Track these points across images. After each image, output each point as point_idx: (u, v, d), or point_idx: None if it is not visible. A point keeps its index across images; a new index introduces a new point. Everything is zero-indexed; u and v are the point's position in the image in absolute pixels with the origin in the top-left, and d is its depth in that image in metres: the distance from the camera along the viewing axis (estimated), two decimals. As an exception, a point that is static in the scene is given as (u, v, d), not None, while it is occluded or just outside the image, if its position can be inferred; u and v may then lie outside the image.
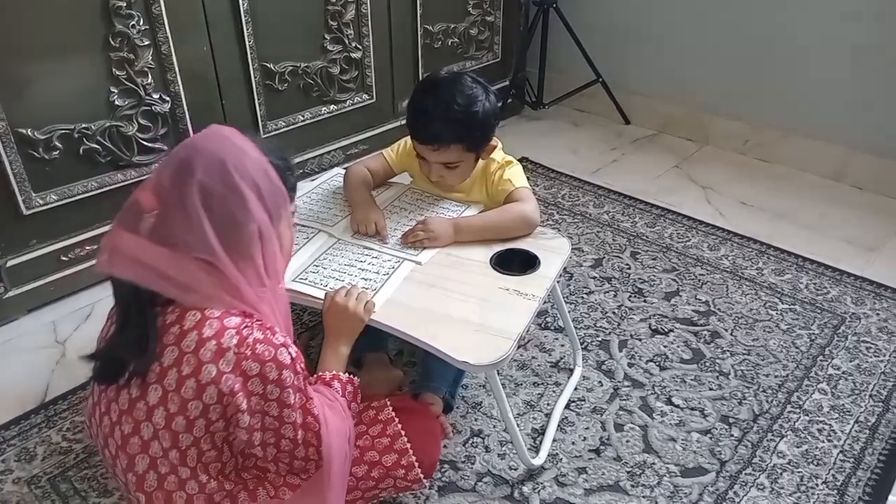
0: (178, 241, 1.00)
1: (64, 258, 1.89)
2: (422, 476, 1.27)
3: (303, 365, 1.09)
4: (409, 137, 1.65)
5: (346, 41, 2.29)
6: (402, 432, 1.26)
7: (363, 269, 1.41)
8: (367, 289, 1.35)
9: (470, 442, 1.51)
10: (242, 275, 1.05)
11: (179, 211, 1.00)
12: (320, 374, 1.23)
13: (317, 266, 1.42)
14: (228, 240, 1.02)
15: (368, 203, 1.59)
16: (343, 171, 1.75)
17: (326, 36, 2.24)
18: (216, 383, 1.00)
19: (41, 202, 1.79)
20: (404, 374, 1.63)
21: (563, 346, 1.76)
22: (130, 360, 1.02)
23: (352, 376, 1.25)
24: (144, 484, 1.05)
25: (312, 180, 1.76)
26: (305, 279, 1.37)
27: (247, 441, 1.06)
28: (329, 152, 2.41)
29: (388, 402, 1.30)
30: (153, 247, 1.00)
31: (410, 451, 1.25)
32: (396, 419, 1.27)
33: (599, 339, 1.79)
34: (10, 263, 1.81)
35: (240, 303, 1.04)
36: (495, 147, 1.58)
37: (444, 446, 1.48)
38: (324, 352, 1.28)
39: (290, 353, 1.05)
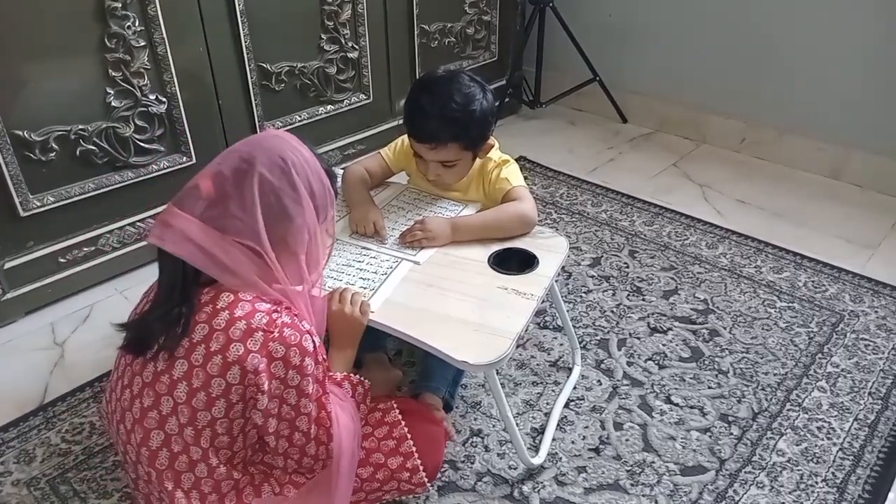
0: (228, 226, 1.04)
1: (62, 260, 1.89)
2: (426, 480, 1.27)
3: (325, 356, 1.12)
4: (406, 136, 1.65)
5: (343, 41, 2.29)
6: (409, 435, 1.26)
7: (361, 270, 1.40)
8: (364, 289, 1.35)
9: (469, 441, 1.51)
10: (284, 268, 1.09)
11: (236, 198, 1.05)
12: (331, 374, 1.24)
13: None
14: (277, 232, 1.07)
15: (366, 202, 1.59)
16: (341, 172, 1.75)
17: (323, 36, 2.24)
18: (241, 362, 1.03)
19: (38, 204, 1.79)
20: (403, 374, 1.63)
21: (561, 345, 1.76)
22: (163, 334, 1.05)
23: (362, 379, 1.26)
24: (156, 461, 1.07)
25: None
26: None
27: (261, 426, 1.07)
28: (326, 153, 2.41)
29: (395, 405, 1.30)
30: (204, 227, 1.04)
31: (416, 455, 1.25)
32: (403, 422, 1.27)
33: (598, 337, 1.79)
34: (7, 265, 1.81)
35: (275, 292, 1.08)
36: (493, 146, 1.58)
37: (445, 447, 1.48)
38: (330, 354, 1.29)
39: (314, 342, 1.08)
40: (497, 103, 1.59)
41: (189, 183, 1.09)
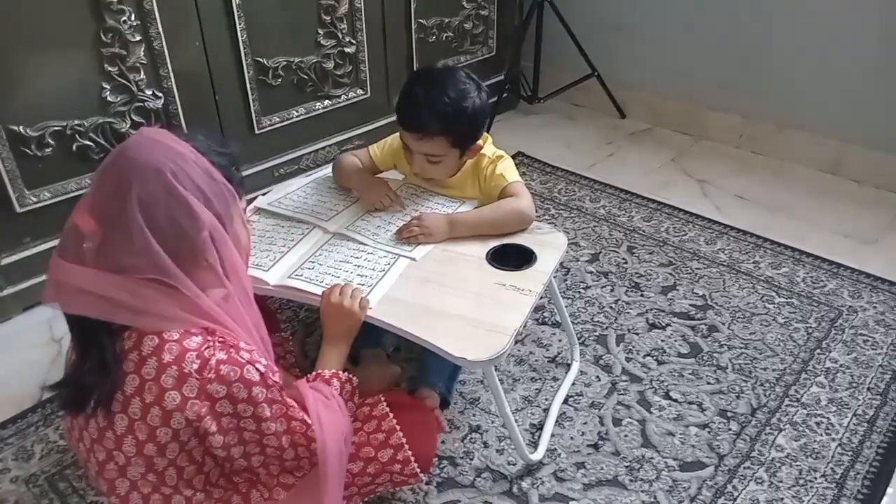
0: (125, 265, 0.95)
1: (58, 256, 1.88)
2: (418, 470, 1.26)
3: (276, 376, 1.04)
4: (396, 135, 1.65)
5: (340, 36, 2.28)
6: (398, 427, 1.25)
7: (359, 266, 1.40)
8: (362, 285, 1.34)
9: (468, 438, 1.51)
10: (200, 285, 1.00)
11: (122, 232, 0.94)
12: (320, 371, 1.22)
13: (312, 262, 1.41)
14: (180, 253, 0.97)
15: (373, 180, 1.61)
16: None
17: (320, 31, 2.23)
18: (181, 410, 0.97)
19: (34, 200, 1.78)
20: (401, 371, 1.63)
21: (560, 341, 1.76)
22: (93, 390, 0.98)
23: (350, 376, 1.24)
24: None
25: (307, 175, 1.75)
26: (301, 276, 1.37)
27: (226, 457, 1.04)
28: (324, 148, 2.40)
29: (383, 398, 1.29)
30: (99, 274, 0.95)
31: (406, 446, 1.24)
32: (391, 414, 1.26)
33: (597, 333, 1.79)
34: (4, 262, 1.80)
35: (200, 319, 0.99)
36: (481, 148, 1.57)
37: (442, 441, 1.47)
38: (323, 350, 1.27)
39: (257, 369, 1.01)
40: (494, 99, 1.59)
41: (66, 225, 0.98)
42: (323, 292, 1.30)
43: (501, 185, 1.55)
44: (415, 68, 2.56)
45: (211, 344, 0.99)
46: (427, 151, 1.51)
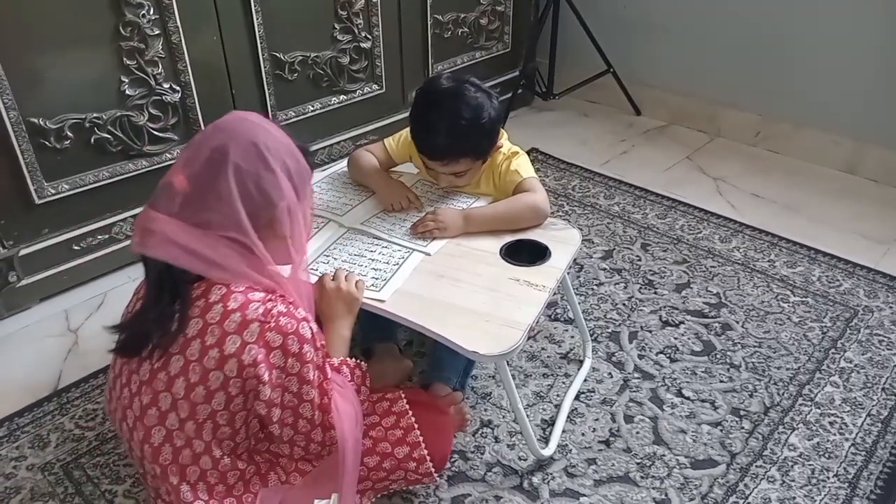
0: (210, 221, 1.02)
1: (76, 247, 1.90)
2: (433, 470, 1.27)
3: (323, 342, 1.11)
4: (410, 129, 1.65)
5: (356, 31, 2.28)
6: (416, 425, 1.26)
7: (373, 260, 1.40)
8: (376, 279, 1.35)
9: (480, 432, 1.51)
10: (271, 253, 1.07)
11: (213, 192, 1.02)
12: (328, 359, 1.23)
13: (327, 256, 1.42)
14: (260, 219, 1.05)
15: (390, 182, 1.62)
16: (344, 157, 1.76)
17: (336, 26, 2.23)
18: (238, 355, 1.02)
19: (53, 191, 1.80)
20: (413, 364, 1.63)
21: (573, 337, 1.76)
22: (156, 334, 1.04)
23: (359, 361, 1.26)
24: (160, 456, 1.07)
25: (323, 170, 1.76)
26: (316, 270, 1.38)
27: (265, 416, 1.07)
28: (339, 142, 2.41)
29: (403, 395, 1.30)
30: (185, 226, 1.02)
31: (423, 445, 1.25)
32: (410, 412, 1.27)
33: (609, 330, 1.78)
34: (22, 252, 1.82)
35: (266, 279, 1.07)
36: (500, 147, 1.58)
37: (464, 433, 1.48)
38: (326, 337, 1.27)
39: (311, 328, 1.08)
40: (509, 96, 1.59)
41: (162, 180, 1.06)
42: (316, 281, 1.31)
43: (516, 180, 1.55)
44: (430, 63, 2.56)
45: (273, 298, 1.06)
46: (454, 171, 1.53)
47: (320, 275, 1.33)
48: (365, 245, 1.45)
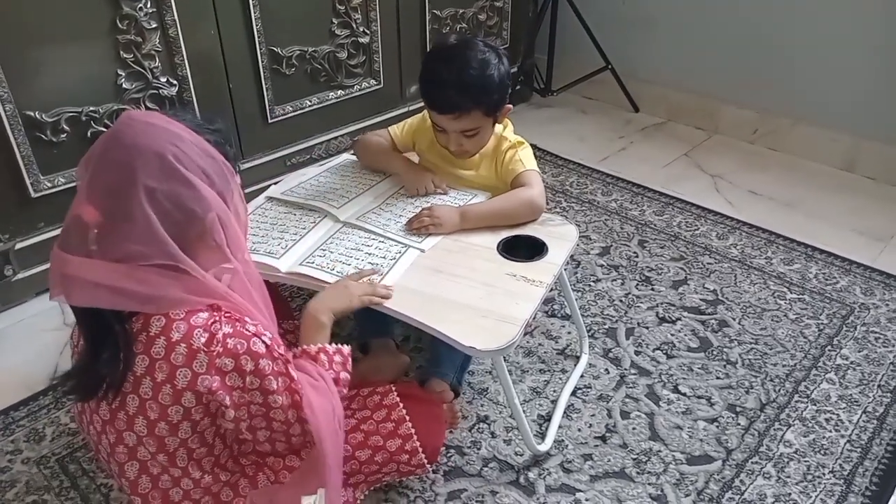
0: (132, 254, 0.93)
1: (72, 241, 1.90)
2: (426, 461, 1.27)
3: (281, 349, 1.04)
4: (415, 118, 1.65)
5: (354, 26, 2.28)
6: (407, 417, 1.25)
7: (370, 254, 1.40)
8: (374, 273, 1.34)
9: (476, 427, 1.51)
10: (207, 264, 1.00)
11: (128, 222, 0.93)
12: (305, 347, 1.17)
13: (323, 250, 1.41)
14: (188, 237, 0.96)
15: (416, 167, 1.63)
16: (349, 155, 1.76)
17: (334, 20, 2.23)
18: (192, 387, 0.97)
19: (49, 185, 1.80)
20: (411, 360, 1.63)
21: (569, 333, 1.76)
22: (105, 376, 0.98)
23: (340, 346, 1.19)
24: (138, 487, 1.05)
25: (320, 165, 1.76)
26: (312, 262, 1.37)
27: (234, 430, 1.04)
28: (336, 137, 2.41)
29: (393, 388, 1.30)
30: (106, 265, 0.93)
31: (415, 437, 1.25)
32: (401, 404, 1.27)
33: (606, 326, 1.78)
34: (18, 246, 1.82)
35: (206, 298, 1.00)
36: (510, 109, 1.57)
37: (451, 432, 1.48)
38: (305, 320, 1.22)
39: (263, 342, 1.00)
40: (512, 69, 1.57)
41: (69, 216, 0.96)
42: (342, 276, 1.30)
43: (518, 170, 1.55)
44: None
45: (217, 319, 0.99)
46: (464, 128, 1.51)
47: (341, 273, 1.32)
48: (362, 239, 1.45)
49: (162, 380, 0.97)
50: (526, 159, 1.57)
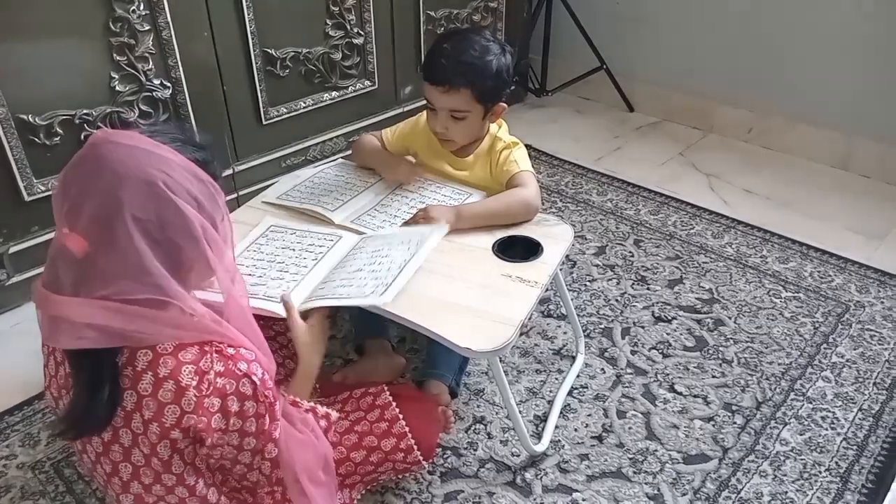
0: (123, 291, 0.88)
1: (66, 245, 1.89)
2: (421, 458, 1.27)
3: (268, 390, 0.99)
4: (408, 121, 1.65)
5: (348, 27, 2.27)
6: (400, 416, 1.26)
7: (373, 271, 1.34)
8: (378, 283, 1.27)
9: (472, 428, 1.51)
10: (196, 282, 0.97)
11: (117, 254, 0.88)
12: (297, 400, 1.16)
13: (324, 283, 1.33)
14: (182, 267, 0.93)
15: (392, 157, 1.64)
16: (345, 157, 1.76)
17: (328, 21, 2.23)
18: (179, 424, 0.93)
19: (43, 188, 1.79)
20: (406, 362, 1.63)
21: (565, 333, 1.76)
22: (98, 415, 0.94)
23: (328, 412, 1.19)
24: None
25: (315, 167, 1.75)
26: (316, 295, 1.30)
27: (206, 456, 1.01)
28: (331, 139, 2.40)
29: (386, 388, 1.30)
30: (96, 303, 0.88)
31: (409, 435, 1.25)
32: (394, 403, 1.27)
33: (602, 326, 1.78)
34: (12, 250, 1.81)
35: (197, 333, 0.95)
36: (504, 111, 1.58)
37: (445, 434, 1.48)
38: (297, 378, 1.21)
39: (252, 381, 0.96)
40: (513, 65, 1.58)
41: (53, 247, 0.91)
42: (298, 325, 1.22)
43: (513, 170, 1.55)
44: (423, 60, 2.55)
45: (208, 355, 0.94)
46: (453, 106, 1.51)
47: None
48: (364, 261, 1.37)
49: (150, 417, 0.93)
50: (521, 160, 1.57)
